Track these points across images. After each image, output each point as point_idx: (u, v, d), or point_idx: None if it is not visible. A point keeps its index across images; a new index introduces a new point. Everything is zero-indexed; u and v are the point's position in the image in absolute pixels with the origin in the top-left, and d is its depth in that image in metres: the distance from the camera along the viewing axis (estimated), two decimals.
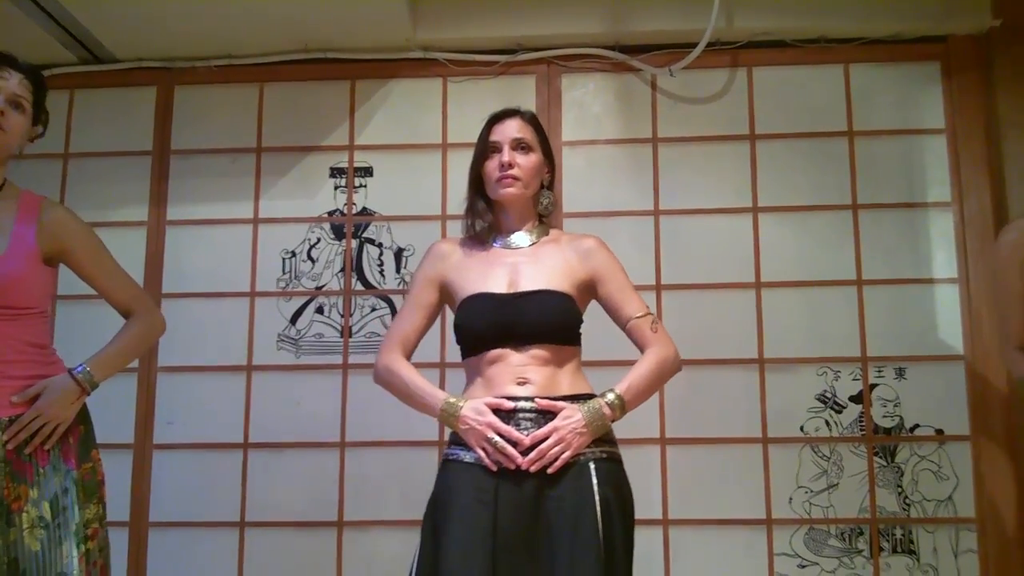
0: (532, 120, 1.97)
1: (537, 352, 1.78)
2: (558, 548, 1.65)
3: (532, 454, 1.69)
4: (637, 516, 1.79)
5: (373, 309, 2.85)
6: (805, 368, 2.73)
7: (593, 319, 1.92)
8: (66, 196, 2.91)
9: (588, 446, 1.73)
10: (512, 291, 1.83)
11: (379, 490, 2.72)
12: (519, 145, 1.91)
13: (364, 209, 2.90)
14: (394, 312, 2.82)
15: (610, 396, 1.76)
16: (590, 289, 1.90)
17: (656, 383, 1.84)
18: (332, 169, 2.93)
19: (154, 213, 2.90)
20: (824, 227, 2.78)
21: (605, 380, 1.82)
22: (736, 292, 2.76)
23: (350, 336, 2.83)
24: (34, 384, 1.76)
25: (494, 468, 1.70)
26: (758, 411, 2.70)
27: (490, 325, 1.80)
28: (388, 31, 2.81)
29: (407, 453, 2.72)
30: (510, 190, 1.89)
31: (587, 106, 2.91)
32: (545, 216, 1.99)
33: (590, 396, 1.79)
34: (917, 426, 2.69)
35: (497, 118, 1.95)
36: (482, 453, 1.71)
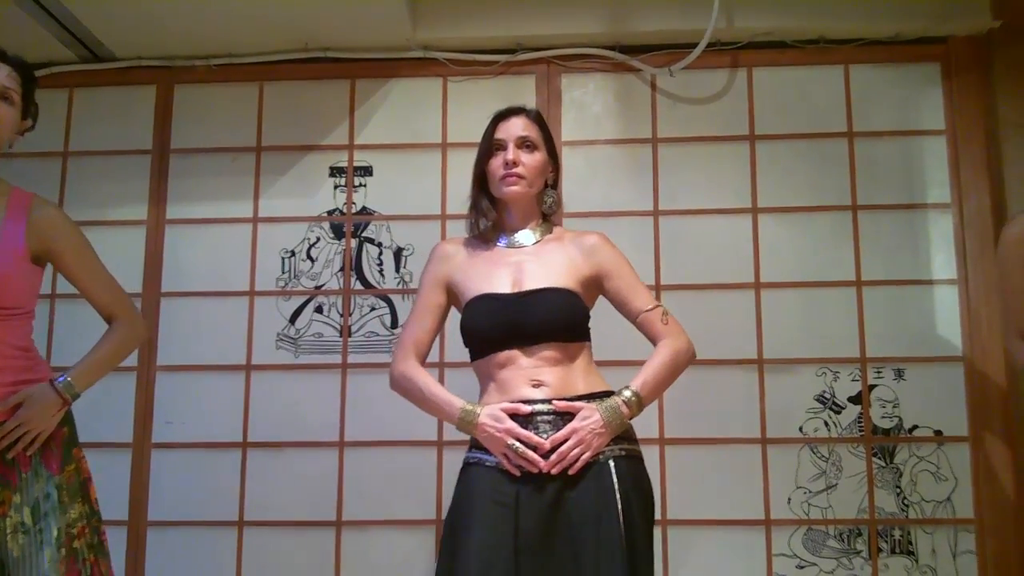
0: (537, 118, 1.96)
1: (547, 352, 1.77)
2: (581, 549, 1.65)
3: (553, 457, 1.69)
4: None
5: (372, 309, 2.84)
6: (804, 369, 2.73)
7: (602, 318, 1.92)
8: (65, 195, 2.91)
9: (607, 445, 1.73)
10: (516, 291, 1.83)
11: (378, 490, 2.72)
12: (524, 143, 1.91)
13: (364, 208, 2.90)
14: (393, 312, 2.82)
15: (627, 393, 1.76)
16: (596, 285, 1.90)
17: (671, 376, 1.83)
18: (332, 168, 2.92)
19: (153, 212, 2.90)
20: (824, 228, 2.78)
21: (617, 380, 1.82)
22: (735, 293, 2.76)
23: (349, 336, 2.82)
24: (17, 392, 1.73)
25: (517, 474, 1.70)
26: (757, 411, 2.70)
27: (496, 326, 1.79)
28: (388, 31, 2.81)
29: (406, 453, 2.72)
30: (514, 188, 1.88)
31: (587, 106, 2.90)
32: (549, 215, 1.98)
33: (606, 393, 1.78)
34: (916, 427, 2.69)
35: (502, 116, 1.95)
36: (504, 460, 1.72)
